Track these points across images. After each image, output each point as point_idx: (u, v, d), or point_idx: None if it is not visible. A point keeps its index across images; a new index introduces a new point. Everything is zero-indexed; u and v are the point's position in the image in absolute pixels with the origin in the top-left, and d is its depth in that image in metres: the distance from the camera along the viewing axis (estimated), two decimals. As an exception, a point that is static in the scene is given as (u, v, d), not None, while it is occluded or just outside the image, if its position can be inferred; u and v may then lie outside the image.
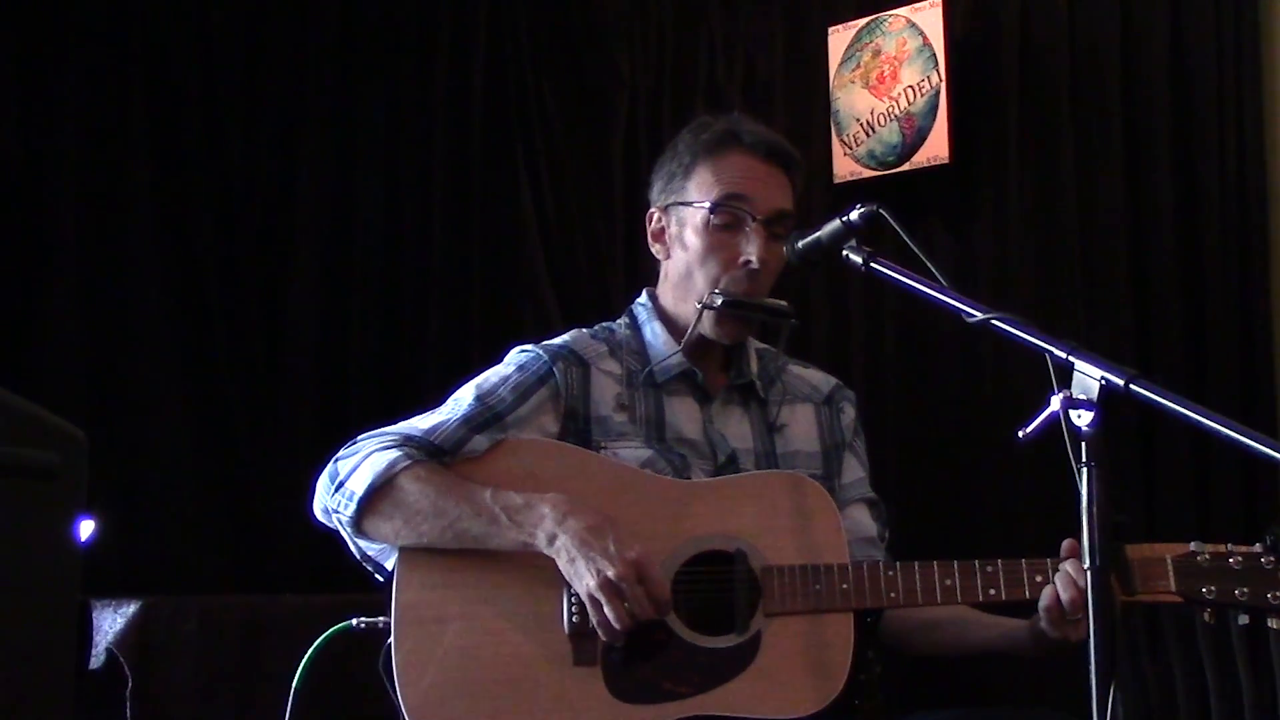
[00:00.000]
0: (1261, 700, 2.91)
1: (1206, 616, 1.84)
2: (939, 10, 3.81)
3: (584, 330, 2.23)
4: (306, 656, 2.11)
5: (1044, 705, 2.34)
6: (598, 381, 2.14)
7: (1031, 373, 1.63)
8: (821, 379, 2.31)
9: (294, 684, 2.12)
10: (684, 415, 2.15)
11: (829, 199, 3.89)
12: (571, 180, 4.28)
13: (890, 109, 3.89)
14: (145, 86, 3.85)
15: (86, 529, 3.23)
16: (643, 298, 2.27)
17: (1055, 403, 1.51)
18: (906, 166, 3.85)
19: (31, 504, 1.27)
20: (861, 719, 1.99)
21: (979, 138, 3.83)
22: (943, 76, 3.79)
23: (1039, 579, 1.89)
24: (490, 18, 4.24)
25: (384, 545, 2.03)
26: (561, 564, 1.91)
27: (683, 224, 2.17)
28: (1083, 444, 1.49)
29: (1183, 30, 3.55)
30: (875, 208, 1.84)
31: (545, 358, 2.14)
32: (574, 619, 1.93)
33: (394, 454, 2.00)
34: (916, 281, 1.76)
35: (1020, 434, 1.55)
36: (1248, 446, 1.41)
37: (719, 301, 2.10)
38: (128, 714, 2.94)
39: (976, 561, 1.91)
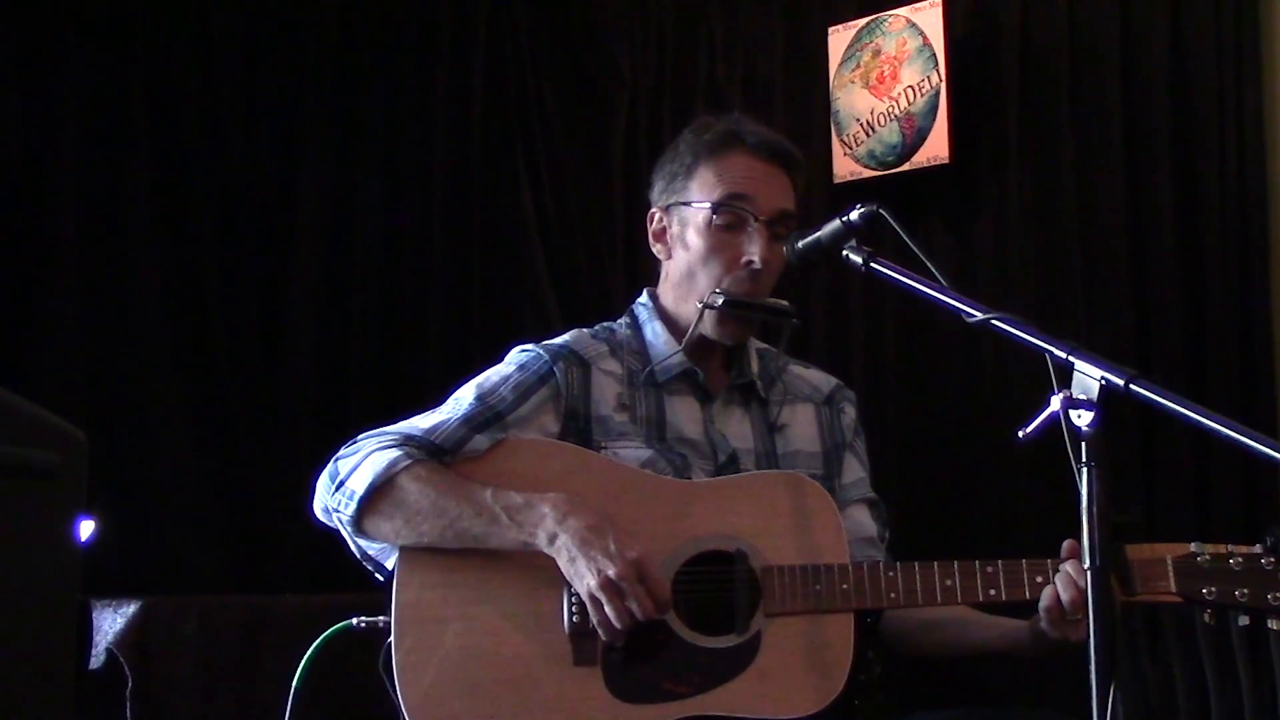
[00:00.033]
0: (1261, 701, 2.92)
1: (1207, 617, 1.84)
2: (939, 10, 3.81)
3: (584, 330, 2.23)
4: (306, 656, 2.11)
5: (1044, 705, 2.35)
6: (598, 381, 2.14)
7: (1031, 373, 1.63)
8: (822, 379, 2.31)
9: (294, 683, 2.12)
10: (685, 415, 2.15)
11: (829, 199, 3.88)
12: (571, 180, 4.28)
13: (890, 109, 3.89)
14: (145, 86, 3.85)
15: (86, 529, 3.23)
16: (643, 297, 2.27)
17: (1055, 403, 1.51)
18: (906, 166, 3.85)
19: (31, 504, 1.27)
20: (861, 719, 1.99)
21: (979, 138, 3.83)
22: (943, 76, 3.79)
23: (1039, 579, 1.89)
24: (490, 18, 4.24)
25: (384, 545, 2.03)
26: (562, 563, 1.91)
27: (684, 224, 2.17)
28: (1083, 444, 1.49)
29: (1183, 30, 3.55)
30: (875, 208, 1.84)
31: (546, 357, 2.14)
32: (574, 619, 1.93)
33: (394, 453, 2.00)
34: (916, 281, 1.76)
35: (1020, 434, 1.55)
36: (1248, 446, 1.41)
37: (720, 301, 2.10)
38: (128, 714, 2.94)
39: (977, 562, 1.91)
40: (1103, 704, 1.45)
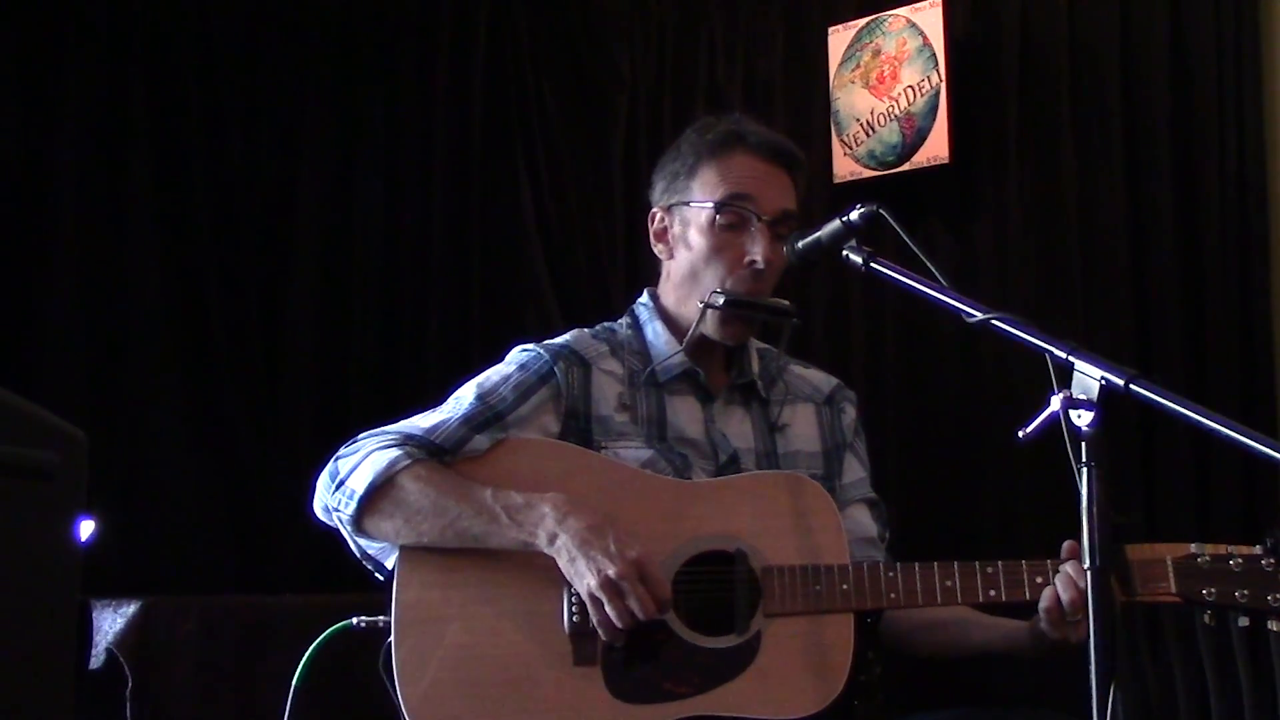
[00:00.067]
0: (1261, 702, 2.91)
1: (1207, 618, 1.84)
2: (939, 10, 3.81)
3: (585, 330, 2.23)
4: (306, 656, 2.11)
5: (1044, 705, 2.34)
6: (599, 381, 2.14)
7: (1031, 373, 1.63)
8: (823, 379, 2.31)
9: (294, 683, 2.12)
10: (686, 415, 2.15)
11: (829, 199, 3.88)
12: (571, 180, 4.28)
13: (890, 109, 3.89)
14: (145, 86, 3.85)
15: (86, 529, 3.23)
16: (644, 297, 2.27)
17: (1055, 403, 1.51)
18: (906, 166, 3.85)
19: (31, 504, 1.27)
20: (861, 719, 1.99)
21: (979, 138, 3.83)
22: (943, 76, 3.79)
23: (1039, 580, 1.89)
24: (490, 18, 4.24)
25: (384, 544, 2.03)
26: (562, 563, 1.91)
27: (687, 224, 2.17)
28: (1083, 444, 1.49)
29: (1183, 30, 3.55)
30: (875, 208, 1.84)
31: (546, 357, 2.14)
32: (574, 618, 1.93)
33: (394, 453, 2.00)
34: (916, 281, 1.76)
35: (1020, 434, 1.55)
36: (1248, 446, 1.41)
37: (721, 301, 2.10)
38: (128, 714, 2.93)
39: (977, 563, 1.91)
40: (1103, 704, 1.45)
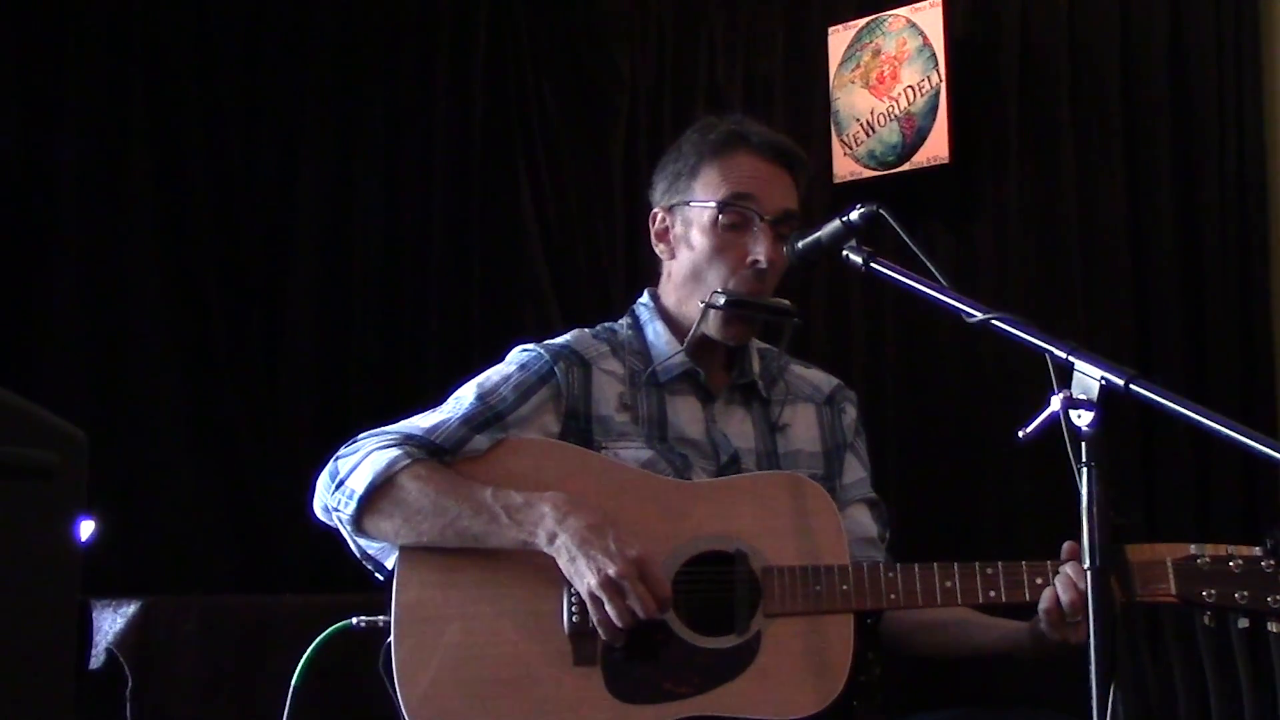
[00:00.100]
0: (1261, 703, 2.91)
1: (1207, 619, 1.84)
2: (939, 10, 3.81)
3: (586, 330, 2.23)
4: (306, 656, 2.11)
5: (1044, 706, 2.34)
6: (599, 381, 2.14)
7: (1031, 373, 1.63)
8: (823, 379, 2.31)
9: (293, 683, 2.12)
10: (686, 415, 2.15)
11: (829, 199, 3.88)
12: (571, 180, 4.28)
13: (890, 109, 3.89)
14: (145, 86, 3.85)
15: (86, 529, 3.23)
16: (644, 298, 2.27)
17: (1055, 403, 1.51)
18: (906, 166, 3.85)
19: (31, 504, 1.27)
20: None
21: (979, 138, 3.83)
22: (943, 76, 3.79)
23: (1039, 581, 1.89)
24: (490, 18, 4.24)
25: (384, 544, 2.03)
26: (562, 562, 1.91)
27: (689, 224, 2.17)
28: (1083, 444, 1.49)
29: (1183, 30, 3.55)
30: (875, 208, 1.84)
31: (547, 357, 2.14)
32: (574, 618, 1.93)
33: (394, 452, 2.00)
34: (916, 281, 1.76)
35: (1020, 434, 1.55)
36: (1248, 446, 1.41)
37: (722, 301, 2.10)
38: (128, 714, 2.94)
39: (977, 563, 1.91)
40: (1103, 704, 1.45)
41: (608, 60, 4.30)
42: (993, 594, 1.91)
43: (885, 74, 3.91)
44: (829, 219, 1.89)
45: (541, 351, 2.15)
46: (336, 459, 2.06)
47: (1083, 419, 1.49)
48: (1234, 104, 3.46)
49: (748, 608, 1.93)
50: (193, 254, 3.88)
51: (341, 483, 2.02)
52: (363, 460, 2.01)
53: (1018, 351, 1.62)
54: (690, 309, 2.16)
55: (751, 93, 4.18)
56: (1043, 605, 1.88)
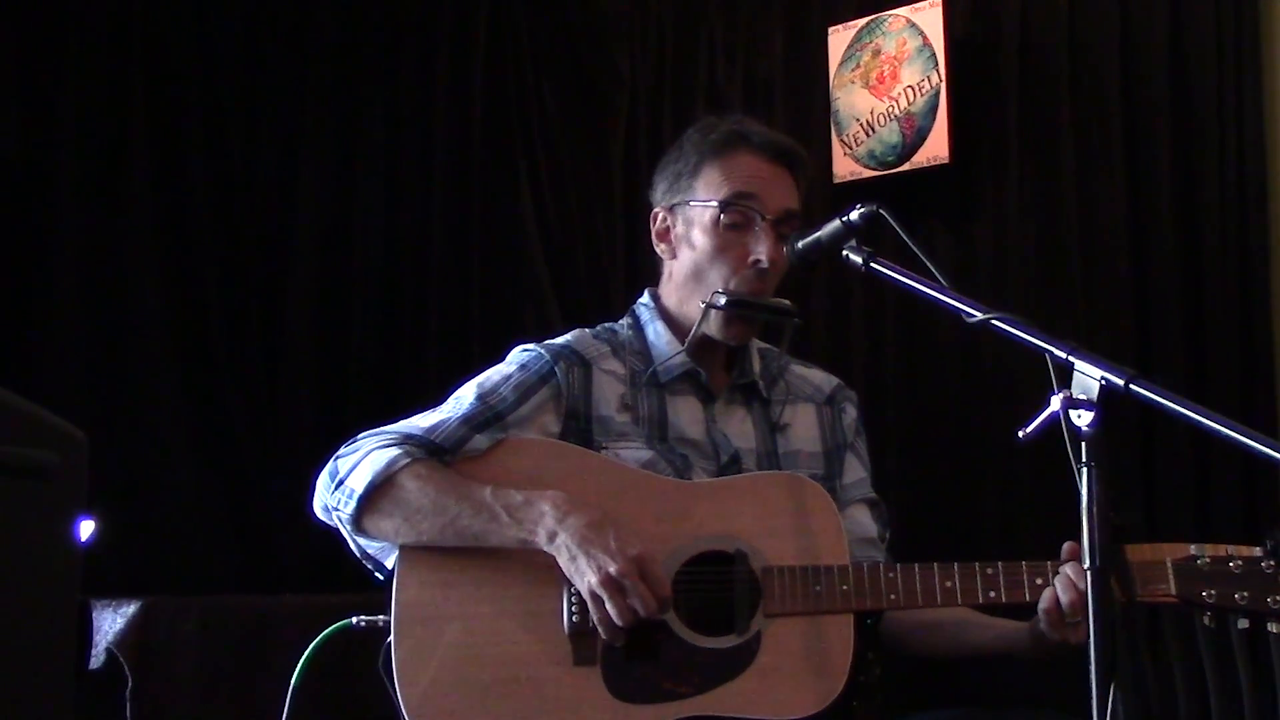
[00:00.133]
0: (1261, 704, 2.91)
1: (1207, 620, 1.84)
2: (939, 10, 3.81)
3: (586, 330, 2.23)
4: (306, 655, 2.11)
5: (1044, 705, 2.34)
6: (599, 381, 2.14)
7: (1031, 373, 1.63)
8: (823, 379, 2.31)
9: (293, 682, 2.12)
10: (687, 415, 2.15)
11: (829, 199, 3.88)
12: (571, 180, 4.28)
13: (890, 109, 3.89)
14: (145, 86, 3.85)
15: (86, 529, 3.23)
16: (645, 298, 2.27)
17: (1055, 403, 1.51)
18: (906, 166, 3.85)
19: (31, 504, 1.27)
20: None
21: (979, 138, 3.83)
22: (943, 76, 3.79)
23: (1039, 581, 1.89)
24: (490, 18, 4.24)
25: (384, 543, 2.03)
26: (562, 561, 1.91)
27: (690, 223, 2.17)
28: (1083, 444, 1.49)
29: (1183, 30, 3.55)
30: (875, 208, 1.84)
31: (547, 357, 2.14)
32: (574, 618, 1.93)
33: (394, 452, 2.00)
34: (916, 281, 1.76)
35: (1020, 434, 1.55)
36: (1248, 446, 1.40)
37: (723, 301, 2.10)
38: (128, 714, 2.94)
39: (977, 564, 1.91)
40: (1103, 704, 1.45)
41: (608, 60, 4.30)
42: (993, 594, 1.91)
43: (885, 74, 3.91)
44: (829, 219, 1.89)
45: (542, 351, 2.15)
46: (336, 459, 2.06)
47: (1083, 419, 1.49)
48: (1234, 104, 3.46)
49: (748, 608, 1.93)
50: (192, 254, 3.88)
51: (341, 482, 2.02)
52: (362, 460, 2.01)
53: (1018, 351, 1.62)
54: (691, 309, 2.16)
55: (751, 93, 4.18)
56: (1042, 605, 1.88)
